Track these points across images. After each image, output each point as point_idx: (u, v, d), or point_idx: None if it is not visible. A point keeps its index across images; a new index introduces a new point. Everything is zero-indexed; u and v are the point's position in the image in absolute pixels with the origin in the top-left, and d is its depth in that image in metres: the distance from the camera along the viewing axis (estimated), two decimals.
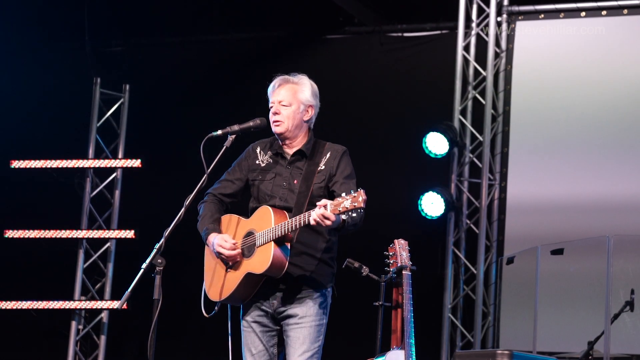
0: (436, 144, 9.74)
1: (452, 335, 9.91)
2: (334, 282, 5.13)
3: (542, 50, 10.03)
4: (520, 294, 9.54)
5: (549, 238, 9.36)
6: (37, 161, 10.04)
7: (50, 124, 10.79)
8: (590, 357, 7.91)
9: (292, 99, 5.12)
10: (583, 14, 9.97)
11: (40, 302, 9.90)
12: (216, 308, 5.11)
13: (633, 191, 9.51)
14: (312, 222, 4.66)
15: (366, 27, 10.74)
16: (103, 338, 10.25)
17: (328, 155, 5.06)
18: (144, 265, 4.58)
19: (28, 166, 10.05)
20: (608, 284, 8.42)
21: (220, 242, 4.96)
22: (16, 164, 10.06)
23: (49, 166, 10.05)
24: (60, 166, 10.07)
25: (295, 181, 5.00)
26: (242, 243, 4.98)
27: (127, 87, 10.56)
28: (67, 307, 10.01)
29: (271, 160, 5.11)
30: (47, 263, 10.47)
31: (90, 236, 10.16)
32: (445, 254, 9.96)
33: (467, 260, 9.96)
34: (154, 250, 4.60)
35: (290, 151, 5.10)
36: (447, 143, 9.73)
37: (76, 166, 10.15)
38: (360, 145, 10.14)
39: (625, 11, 9.84)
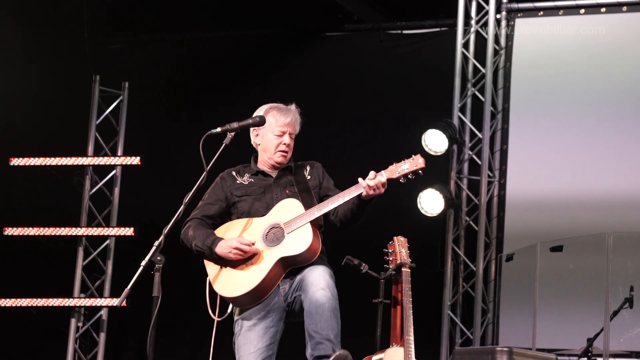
0: (435, 141, 9.74)
1: (452, 332, 9.92)
2: None
3: (541, 48, 10.03)
4: (519, 291, 9.54)
5: (548, 235, 9.37)
6: (37, 159, 10.03)
7: (49, 122, 10.79)
8: (589, 354, 7.92)
9: (295, 132, 5.32)
10: (582, 11, 9.97)
11: (39, 299, 9.89)
12: (229, 311, 5.11)
13: (632, 188, 9.51)
14: (368, 188, 4.81)
15: (365, 25, 10.74)
16: (102, 335, 10.25)
17: (308, 168, 5.29)
18: (143, 263, 4.57)
19: (27, 164, 10.05)
20: (607, 280, 8.43)
21: (234, 244, 5.03)
22: (15, 161, 10.06)
23: (48, 164, 10.05)
24: (59, 164, 10.06)
25: (287, 191, 5.13)
26: (262, 236, 5.03)
27: (127, 84, 10.55)
28: (66, 305, 10.01)
29: (252, 179, 5.24)
30: (46, 260, 10.47)
31: (90, 234, 10.16)
32: (445, 251, 9.96)
33: (466, 257, 9.97)
34: (153, 248, 4.60)
35: (273, 170, 5.25)
36: (447, 140, 9.73)
37: (75, 164, 10.14)
38: (359, 143, 10.16)
39: (625, 8, 9.84)
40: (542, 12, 10.10)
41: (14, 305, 9.93)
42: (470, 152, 10.07)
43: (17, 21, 10.54)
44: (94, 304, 10.07)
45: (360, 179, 4.89)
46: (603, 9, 9.90)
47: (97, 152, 10.42)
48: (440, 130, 9.70)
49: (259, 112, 5.28)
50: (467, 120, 10.09)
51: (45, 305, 9.91)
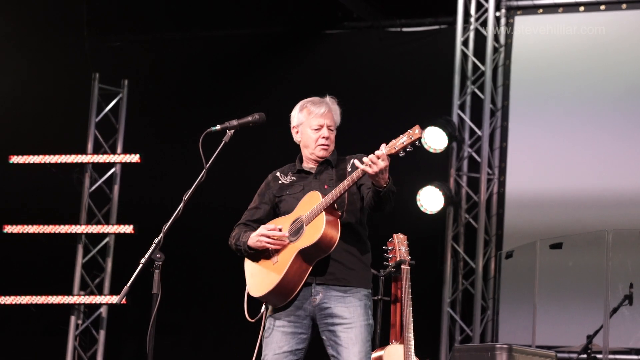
0: (435, 138, 9.74)
1: (451, 329, 9.92)
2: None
3: (540, 45, 10.03)
4: (519, 288, 9.54)
5: (547, 232, 9.37)
6: (36, 156, 10.04)
7: (49, 119, 10.79)
8: (589, 351, 7.92)
9: (335, 124, 5.25)
10: (582, 8, 9.98)
11: (39, 297, 9.90)
12: (262, 311, 5.07)
13: (632, 186, 9.52)
14: (364, 166, 4.72)
15: (365, 22, 10.74)
16: (102, 333, 10.26)
17: (352, 161, 5.17)
18: (142, 260, 4.57)
19: (27, 161, 10.06)
20: (607, 278, 8.43)
21: (261, 230, 5.00)
22: (15, 159, 10.07)
23: (47, 161, 10.06)
24: (59, 161, 10.07)
25: (325, 186, 5.08)
26: (287, 233, 5.00)
27: (126, 82, 10.56)
28: (66, 302, 10.02)
29: (295, 178, 5.20)
30: (46, 258, 10.47)
31: (89, 231, 10.17)
32: (444, 248, 9.96)
33: (466, 254, 9.97)
34: (153, 245, 4.59)
35: (314, 165, 5.19)
36: (446, 138, 9.73)
37: (75, 161, 10.15)
38: (358, 140, 10.14)
39: (624, 6, 9.84)
40: (541, 10, 10.11)
41: (13, 302, 9.94)
42: (470, 150, 10.07)
43: (17, 19, 10.53)
44: (93, 302, 10.08)
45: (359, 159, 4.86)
46: (602, 7, 9.90)
47: (97, 150, 10.43)
48: (439, 127, 9.70)
49: (294, 110, 5.26)
50: (466, 118, 10.09)
51: (45, 302, 9.92)
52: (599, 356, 8.06)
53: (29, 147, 10.16)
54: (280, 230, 4.98)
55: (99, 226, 10.19)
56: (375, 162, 4.73)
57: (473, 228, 9.98)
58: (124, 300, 4.77)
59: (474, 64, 10.15)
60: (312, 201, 4.96)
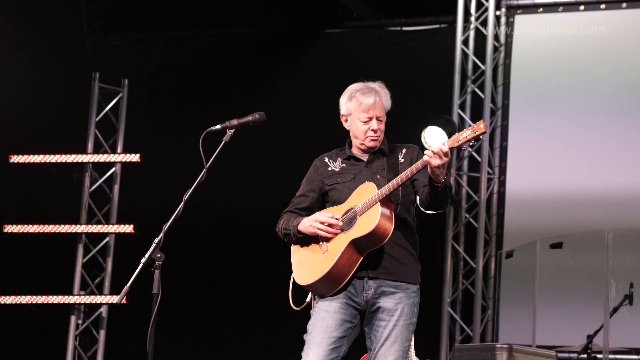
0: (435, 137, 9.73)
1: (452, 329, 9.92)
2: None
3: (541, 44, 10.03)
4: (519, 287, 9.54)
5: (548, 232, 9.37)
6: (36, 156, 10.04)
7: (49, 119, 10.79)
8: (589, 351, 7.92)
9: (384, 113, 5.23)
10: (582, 7, 9.98)
11: (39, 296, 9.90)
12: (307, 300, 5.03)
13: (632, 185, 9.51)
14: (427, 156, 4.67)
15: (365, 22, 10.74)
16: (102, 333, 10.25)
17: (404, 151, 5.17)
18: (143, 260, 4.57)
19: (27, 161, 10.05)
20: (607, 277, 8.43)
21: (316, 216, 4.96)
22: (15, 158, 10.07)
23: (48, 161, 10.05)
24: (59, 161, 10.07)
25: (378, 176, 5.04)
26: (340, 220, 4.95)
27: (126, 81, 10.55)
28: (66, 302, 10.02)
29: (344, 165, 5.15)
30: (46, 258, 10.47)
31: (90, 231, 10.16)
32: (445, 248, 9.96)
33: (466, 254, 9.97)
34: (153, 245, 4.59)
35: (365, 154, 5.14)
36: (446, 137, 9.72)
37: (75, 161, 10.14)
38: None
39: (624, 5, 9.84)
40: (541, 9, 10.11)
41: (13, 302, 9.93)
42: (470, 149, 10.06)
43: (17, 18, 10.53)
44: (93, 301, 10.07)
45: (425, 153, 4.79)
46: (603, 6, 9.90)
47: (97, 149, 10.43)
48: (439, 127, 9.70)
49: (343, 97, 5.22)
50: (466, 117, 10.09)
51: (45, 302, 9.91)
52: (599, 356, 8.06)
53: (29, 147, 10.15)
54: (336, 218, 4.92)
55: (99, 226, 10.18)
56: (441, 156, 4.67)
57: (473, 227, 9.97)
58: (124, 300, 4.76)
59: (474, 63, 10.15)
60: (367, 192, 4.92)
